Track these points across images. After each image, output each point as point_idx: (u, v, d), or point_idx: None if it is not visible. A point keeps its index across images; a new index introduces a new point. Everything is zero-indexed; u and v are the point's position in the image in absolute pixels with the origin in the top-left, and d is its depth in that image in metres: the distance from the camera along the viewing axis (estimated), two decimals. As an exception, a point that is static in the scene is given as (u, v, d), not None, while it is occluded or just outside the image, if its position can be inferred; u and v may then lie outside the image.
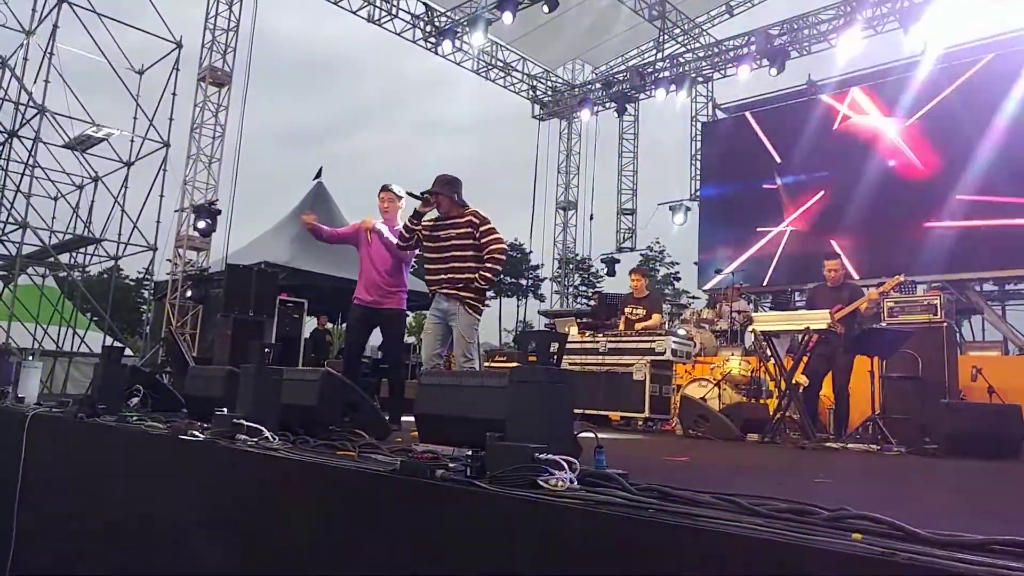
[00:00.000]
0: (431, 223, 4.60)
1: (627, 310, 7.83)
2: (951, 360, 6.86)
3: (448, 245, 4.50)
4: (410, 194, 4.78)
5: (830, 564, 1.25)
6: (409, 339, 18.75)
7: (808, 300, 6.84)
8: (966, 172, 11.63)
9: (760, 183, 14.34)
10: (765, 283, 13.90)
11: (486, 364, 8.58)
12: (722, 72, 15.19)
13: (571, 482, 1.83)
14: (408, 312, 5.56)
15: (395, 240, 4.98)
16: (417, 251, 4.99)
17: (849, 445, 5.38)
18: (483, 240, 4.41)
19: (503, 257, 4.46)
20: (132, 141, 11.91)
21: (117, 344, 10.00)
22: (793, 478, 3.45)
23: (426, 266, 4.70)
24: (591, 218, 17.78)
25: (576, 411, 6.87)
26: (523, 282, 41.54)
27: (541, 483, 1.82)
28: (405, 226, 4.70)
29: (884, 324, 7.00)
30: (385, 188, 5.29)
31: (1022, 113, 11.24)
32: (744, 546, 1.37)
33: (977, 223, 11.37)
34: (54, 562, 4.04)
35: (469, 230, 4.44)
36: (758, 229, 14.18)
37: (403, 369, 5.59)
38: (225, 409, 3.34)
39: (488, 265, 4.42)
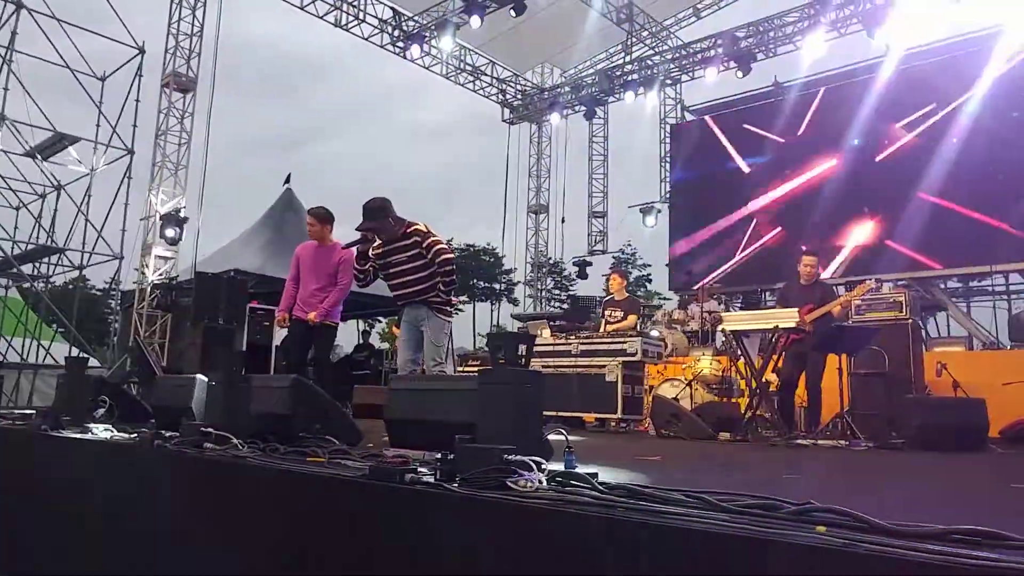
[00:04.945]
0: (379, 251, 4.67)
1: (607, 313, 7.82)
2: (917, 356, 6.99)
3: (403, 269, 4.59)
4: (348, 245, 4.87)
5: (794, 557, 1.27)
6: (383, 344, 18.64)
7: (780, 297, 6.88)
8: (929, 175, 11.97)
9: (728, 173, 14.62)
10: (733, 279, 14.09)
11: (460, 369, 8.55)
12: (690, 74, 15.35)
13: (540, 483, 1.83)
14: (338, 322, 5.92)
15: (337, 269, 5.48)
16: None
17: (819, 442, 5.46)
18: (430, 254, 4.52)
19: (452, 266, 4.60)
20: (95, 149, 11.70)
21: (82, 355, 9.79)
22: (763, 475, 3.49)
23: (390, 289, 4.78)
24: (563, 221, 17.85)
25: (550, 413, 6.93)
26: (496, 286, 41.49)
27: (510, 484, 1.82)
28: (355, 270, 4.81)
29: (851, 321, 7.12)
30: (308, 211, 5.81)
31: (981, 113, 11.58)
32: (710, 542, 1.38)
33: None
34: (17, 579, 3.94)
35: (417, 250, 4.53)
36: (724, 216, 14.45)
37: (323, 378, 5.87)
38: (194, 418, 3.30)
39: (441, 278, 4.55)
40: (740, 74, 13.61)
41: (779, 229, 13.75)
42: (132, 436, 3.63)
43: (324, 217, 5.65)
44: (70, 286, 16.65)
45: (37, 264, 12.78)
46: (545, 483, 1.83)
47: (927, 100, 12.19)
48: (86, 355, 11.56)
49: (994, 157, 11.34)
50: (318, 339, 5.62)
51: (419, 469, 2.06)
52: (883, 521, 1.41)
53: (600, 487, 1.82)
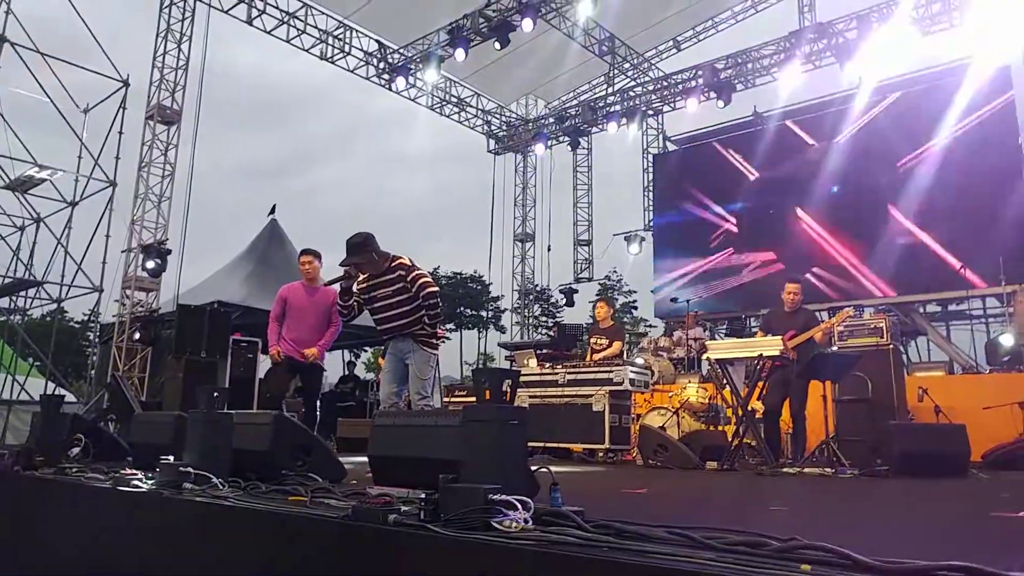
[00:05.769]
0: (363, 286, 4.65)
1: (592, 340, 7.80)
2: (899, 381, 7.03)
3: (388, 304, 4.57)
4: (331, 282, 4.86)
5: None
6: (368, 375, 18.50)
7: (764, 324, 6.94)
8: (901, 203, 12.25)
9: (709, 212, 14.78)
10: (718, 306, 14.17)
11: (447, 399, 8.50)
12: (671, 105, 15.57)
13: (525, 522, 1.81)
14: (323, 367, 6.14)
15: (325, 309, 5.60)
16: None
17: (805, 469, 5.46)
18: (414, 288, 4.50)
19: (436, 300, 4.59)
20: (77, 181, 11.61)
21: (58, 391, 9.60)
22: (750, 507, 3.48)
23: (375, 323, 4.76)
24: (549, 249, 17.98)
25: (537, 444, 6.89)
26: (484, 314, 41.46)
27: (495, 525, 1.79)
28: (339, 305, 4.78)
29: (835, 348, 7.16)
30: (305, 252, 5.86)
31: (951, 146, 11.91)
32: (696, 582, 1.36)
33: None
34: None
35: (401, 284, 4.52)
36: (708, 257, 14.60)
37: (315, 413, 5.92)
38: (172, 457, 3.23)
39: (426, 311, 4.53)
40: (721, 104, 13.83)
41: (761, 257, 13.89)
42: (106, 476, 3.54)
43: (320, 257, 5.86)
44: (47, 318, 16.42)
45: (14, 297, 12.60)
46: (530, 523, 1.81)
47: (903, 134, 12.50)
48: (62, 390, 11.38)
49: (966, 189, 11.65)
50: (311, 377, 5.77)
51: (402, 509, 2.03)
52: (868, 557, 1.41)
53: (586, 526, 1.80)
